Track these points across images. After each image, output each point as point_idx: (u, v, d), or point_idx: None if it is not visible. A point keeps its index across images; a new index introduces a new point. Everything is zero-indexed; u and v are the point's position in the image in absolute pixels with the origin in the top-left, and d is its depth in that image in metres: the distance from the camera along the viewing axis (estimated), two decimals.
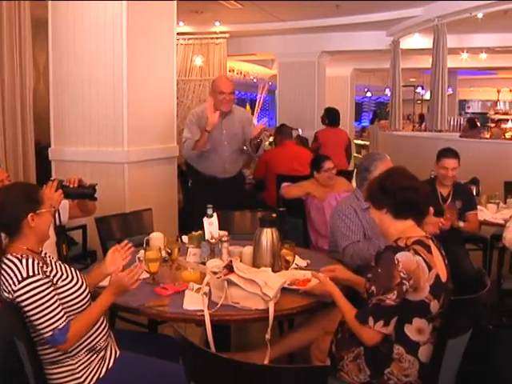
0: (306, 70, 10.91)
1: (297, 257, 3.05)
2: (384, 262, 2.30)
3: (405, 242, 2.34)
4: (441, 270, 2.36)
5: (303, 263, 3.10)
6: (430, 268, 2.29)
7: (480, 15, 7.89)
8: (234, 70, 13.65)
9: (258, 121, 14.11)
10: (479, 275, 2.68)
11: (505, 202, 5.40)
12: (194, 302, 2.48)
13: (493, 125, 14.88)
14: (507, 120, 16.10)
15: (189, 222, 4.47)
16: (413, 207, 2.47)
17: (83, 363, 2.28)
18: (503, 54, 11.18)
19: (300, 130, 8.48)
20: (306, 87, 10.91)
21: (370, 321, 2.26)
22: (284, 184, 5.04)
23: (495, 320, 3.58)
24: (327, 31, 10.25)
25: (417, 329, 2.32)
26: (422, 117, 15.06)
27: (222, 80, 4.84)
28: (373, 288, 2.29)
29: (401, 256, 2.27)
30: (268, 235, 2.90)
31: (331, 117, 7.84)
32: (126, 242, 2.65)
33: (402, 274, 2.23)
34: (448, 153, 4.54)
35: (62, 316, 2.14)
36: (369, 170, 3.60)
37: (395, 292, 2.22)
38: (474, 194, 5.07)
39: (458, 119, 17.54)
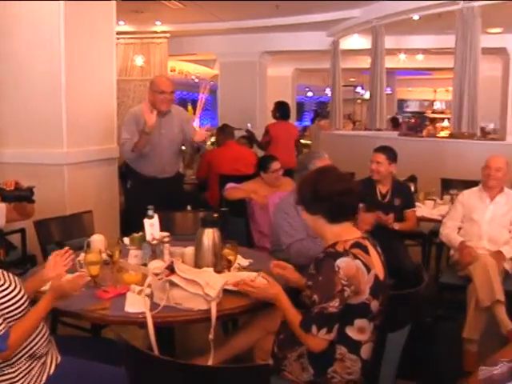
0: (247, 69, 10.95)
1: (239, 256, 3.05)
2: (325, 270, 2.30)
3: (343, 247, 2.34)
4: (378, 269, 2.39)
5: (245, 263, 3.10)
6: (368, 270, 2.32)
7: (416, 17, 8.10)
8: (175, 70, 13.56)
9: (200, 121, 14.09)
10: (417, 270, 2.75)
11: (441, 199, 5.54)
12: (135, 304, 2.45)
13: (428, 123, 15.32)
14: (443, 119, 16.55)
15: (131, 223, 4.43)
16: (348, 210, 2.48)
17: (23, 371, 2.22)
18: (439, 55, 11.47)
19: (249, 125, 8.49)
20: (247, 87, 10.95)
21: (314, 329, 2.27)
22: (228, 185, 5.03)
23: (434, 313, 3.68)
24: (268, 31, 10.31)
25: (358, 329, 2.35)
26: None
27: (163, 79, 4.80)
28: (315, 296, 2.29)
29: (341, 262, 2.27)
30: (209, 235, 2.89)
31: (282, 110, 7.89)
32: (66, 248, 2.61)
33: (343, 282, 2.24)
34: (377, 148, 4.71)
35: (2, 323, 2.09)
36: (307, 168, 3.64)
37: (337, 299, 2.24)
38: (412, 191, 5.21)
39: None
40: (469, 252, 4.10)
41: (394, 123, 12.56)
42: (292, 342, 2.42)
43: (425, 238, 5.37)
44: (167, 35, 9.51)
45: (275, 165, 4.82)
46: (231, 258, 2.93)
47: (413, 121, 15.65)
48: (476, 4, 7.10)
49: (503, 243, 4.20)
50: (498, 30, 9.35)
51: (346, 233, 2.44)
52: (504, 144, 8.74)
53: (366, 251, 2.37)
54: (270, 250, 3.93)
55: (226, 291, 2.55)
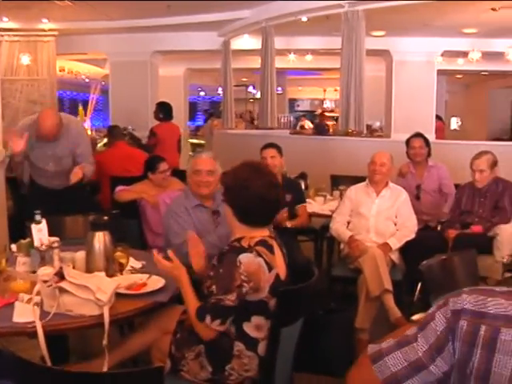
0: (138, 69, 10.77)
1: (132, 259, 3.01)
2: (226, 263, 2.32)
3: (248, 243, 2.37)
4: (281, 269, 2.43)
5: (138, 265, 3.06)
6: (270, 268, 2.35)
7: (304, 19, 8.29)
8: (64, 70, 13.17)
9: (91, 122, 13.73)
10: (308, 265, 2.83)
11: (331, 195, 5.71)
12: (24, 313, 2.34)
13: (317, 121, 15.74)
14: (333, 117, 17.07)
15: (22, 230, 4.25)
16: (260, 220, 2.50)
17: None
18: (327, 55, 11.77)
19: (130, 127, 8.37)
20: (139, 87, 10.78)
21: (208, 319, 2.29)
22: (118, 188, 4.95)
23: (326, 305, 3.79)
24: (159, 31, 10.21)
25: (255, 326, 2.38)
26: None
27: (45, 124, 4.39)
28: (213, 287, 2.31)
29: (243, 258, 2.29)
30: (100, 239, 2.83)
31: (165, 111, 7.79)
32: None
33: (242, 277, 2.26)
34: (266, 144, 4.89)
35: None
36: (189, 167, 3.74)
37: (235, 293, 2.26)
38: (303, 187, 5.34)
39: (288, 117, 18.39)
40: (357, 245, 4.27)
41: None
42: (189, 341, 2.43)
43: (316, 233, 5.49)
44: (55, 33, 9.18)
45: (163, 165, 4.83)
46: (123, 260, 2.89)
47: (318, 121, 15.97)
48: (360, 8, 7.38)
49: (389, 235, 4.40)
50: (382, 33, 9.77)
51: (254, 230, 2.46)
52: (389, 141, 9.16)
53: (271, 250, 2.40)
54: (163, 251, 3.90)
55: (119, 295, 2.51)
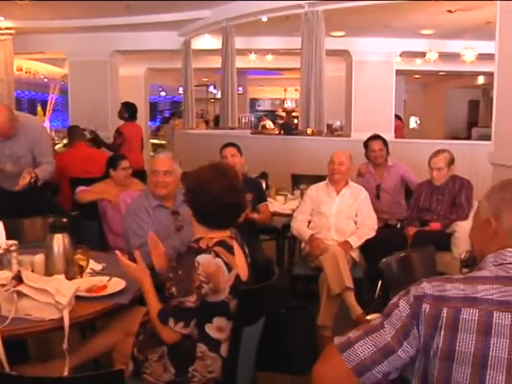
0: (98, 69, 10.65)
1: (92, 261, 2.97)
2: (185, 264, 2.31)
3: (206, 244, 2.37)
4: (242, 269, 2.42)
5: (99, 267, 3.03)
6: (230, 269, 2.34)
7: (265, 19, 8.32)
8: (22, 69, 12.94)
9: (50, 122, 13.52)
10: (269, 264, 2.84)
11: (292, 194, 5.73)
12: None
13: (282, 121, 15.83)
14: (295, 117, 17.16)
15: None
16: (220, 223, 2.49)
17: None
18: (287, 55, 11.84)
19: (93, 127, 8.28)
20: (98, 87, 10.66)
21: (171, 322, 2.28)
22: (79, 188, 4.89)
23: (287, 304, 3.81)
24: (118, 30, 10.10)
25: (217, 327, 2.37)
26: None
27: None
28: (173, 289, 2.31)
29: (201, 259, 2.28)
30: (59, 241, 2.78)
31: (131, 111, 7.78)
32: None
33: (201, 278, 2.25)
34: (226, 144, 4.90)
35: None
36: (148, 168, 3.71)
37: (195, 295, 2.25)
38: (264, 187, 5.36)
39: (249, 117, 18.43)
40: (318, 244, 4.31)
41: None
42: (152, 342, 2.41)
43: (278, 232, 5.52)
44: (12, 32, 9.01)
45: (124, 163, 4.82)
46: (83, 263, 2.85)
47: (284, 121, 16.02)
48: (320, 8, 7.44)
49: (350, 234, 4.45)
50: (341, 33, 9.86)
51: (213, 231, 2.46)
52: (349, 140, 9.24)
53: (231, 251, 2.39)
54: (124, 251, 3.86)
55: (79, 298, 2.48)
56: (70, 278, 2.72)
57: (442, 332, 1.39)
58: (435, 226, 4.69)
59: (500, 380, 1.34)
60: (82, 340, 3.26)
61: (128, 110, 7.77)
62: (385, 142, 5.51)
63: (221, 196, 2.42)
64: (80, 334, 3.41)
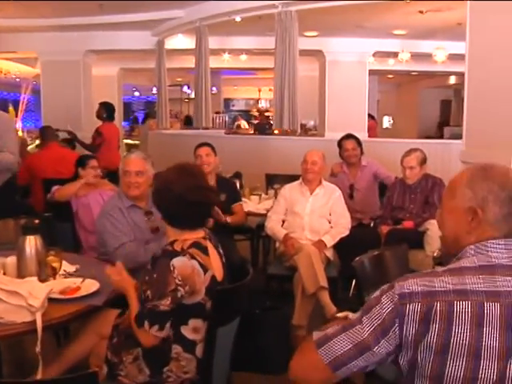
0: (71, 69, 10.52)
1: (65, 263, 2.94)
2: (160, 268, 2.30)
3: (181, 246, 2.35)
4: (217, 269, 2.43)
5: (72, 268, 3.00)
6: (205, 270, 2.34)
7: (238, 19, 8.31)
8: None
9: (22, 123, 13.34)
10: (243, 264, 2.85)
11: (266, 193, 5.75)
12: None
13: (256, 121, 15.82)
14: (268, 116, 17.18)
15: None
16: (191, 222, 2.48)
17: None
18: (261, 55, 11.82)
19: (69, 127, 8.20)
20: (71, 87, 10.53)
21: (146, 325, 2.27)
22: (54, 188, 4.82)
23: (262, 304, 3.82)
24: (92, 30, 10.00)
25: (193, 328, 2.37)
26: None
27: None
28: (148, 292, 2.30)
29: (176, 261, 2.28)
30: (31, 243, 2.75)
31: (110, 111, 7.82)
32: None
33: (177, 281, 2.25)
34: (200, 143, 4.89)
35: None
36: (120, 168, 3.72)
37: (169, 298, 2.25)
38: (238, 187, 5.35)
39: (223, 117, 18.41)
40: (292, 243, 4.33)
41: (186, 121, 12.80)
42: (127, 344, 2.40)
43: (252, 232, 5.53)
44: None
45: (93, 162, 4.80)
46: (56, 265, 2.82)
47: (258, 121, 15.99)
48: (293, 8, 7.46)
49: (324, 233, 4.47)
50: (315, 33, 9.90)
51: (186, 232, 2.44)
52: (323, 140, 9.29)
53: (205, 252, 2.39)
54: (97, 252, 3.83)
55: (52, 300, 2.45)
56: (42, 280, 2.69)
57: (436, 326, 1.40)
58: (408, 224, 4.74)
59: (493, 368, 1.38)
60: (57, 346, 3.23)
61: (107, 110, 7.80)
62: (358, 141, 5.56)
63: (185, 195, 2.42)
64: (54, 338, 3.39)
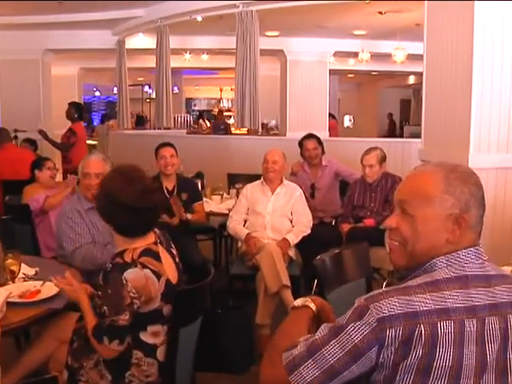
0: (29, 68, 10.31)
1: (24, 265, 2.91)
2: (113, 283, 2.23)
3: (131, 256, 2.28)
4: (171, 273, 2.39)
5: (31, 271, 2.96)
6: (159, 277, 2.29)
7: (199, 18, 8.29)
8: None
9: None
10: (204, 264, 2.85)
11: (228, 193, 5.74)
12: None
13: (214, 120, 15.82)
14: (230, 116, 17.21)
15: None
16: (138, 229, 2.40)
17: None
18: (222, 55, 11.82)
19: (39, 125, 8.11)
20: (30, 86, 10.32)
21: (106, 340, 2.24)
22: (41, 197, 4.63)
23: (224, 304, 3.83)
24: (51, 28, 9.81)
25: (152, 333, 2.35)
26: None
27: None
28: (105, 308, 2.26)
29: (128, 274, 2.21)
30: None
31: (80, 110, 7.82)
32: None
33: (131, 294, 2.20)
34: (163, 144, 4.89)
35: None
36: (79, 170, 3.69)
37: (127, 312, 2.21)
38: (200, 187, 5.35)
39: (185, 117, 18.34)
40: (254, 242, 4.34)
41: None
42: (87, 350, 2.37)
43: (215, 232, 5.53)
44: None
45: (49, 163, 4.80)
46: (14, 268, 2.78)
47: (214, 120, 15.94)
48: (254, 8, 7.47)
49: (286, 232, 4.49)
50: (276, 33, 9.93)
51: (138, 239, 2.38)
52: (285, 139, 9.33)
53: (157, 258, 2.34)
54: (56, 255, 3.78)
55: (11, 304, 2.42)
56: (1, 283, 2.66)
57: (419, 349, 1.32)
58: (369, 222, 4.80)
59: None
60: (18, 350, 3.18)
61: (78, 110, 7.79)
62: (319, 140, 5.60)
63: (133, 204, 2.32)
64: (14, 342, 3.33)
